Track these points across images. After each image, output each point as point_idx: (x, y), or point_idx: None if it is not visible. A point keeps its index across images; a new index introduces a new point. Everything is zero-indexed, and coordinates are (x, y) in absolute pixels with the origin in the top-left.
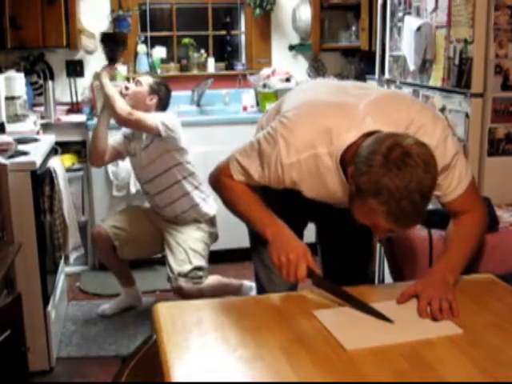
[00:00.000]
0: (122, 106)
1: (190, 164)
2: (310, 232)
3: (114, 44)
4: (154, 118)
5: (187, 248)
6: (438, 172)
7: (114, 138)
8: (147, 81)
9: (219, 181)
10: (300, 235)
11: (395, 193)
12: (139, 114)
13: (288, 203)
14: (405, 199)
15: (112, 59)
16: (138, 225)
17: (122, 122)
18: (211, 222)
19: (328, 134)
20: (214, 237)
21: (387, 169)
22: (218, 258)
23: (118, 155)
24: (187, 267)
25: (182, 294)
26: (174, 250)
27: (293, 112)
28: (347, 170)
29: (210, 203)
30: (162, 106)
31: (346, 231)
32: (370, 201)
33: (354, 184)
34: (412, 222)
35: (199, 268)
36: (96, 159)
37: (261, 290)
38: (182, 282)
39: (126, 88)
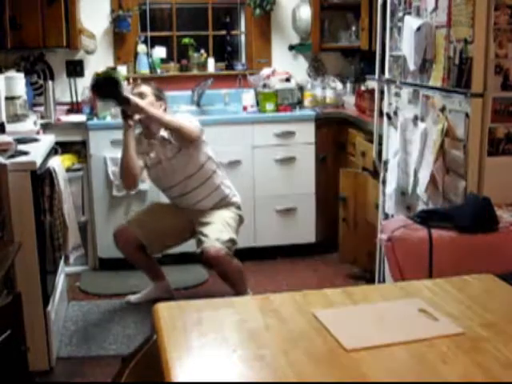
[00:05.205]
0: (193, 127)
1: (214, 156)
2: (310, 232)
3: (112, 88)
4: (194, 125)
5: (224, 222)
6: None
7: None
8: (149, 90)
9: None
10: None
11: None
12: (189, 125)
13: None
14: None
15: (122, 102)
16: (164, 220)
17: (196, 139)
18: (239, 207)
19: None
20: (242, 219)
21: None
22: None
23: (142, 170)
24: (226, 236)
25: (217, 260)
26: (211, 223)
27: None
28: None
29: (235, 192)
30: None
31: None
32: None
33: None
34: None
35: (233, 241)
36: (133, 181)
37: None
38: (220, 247)
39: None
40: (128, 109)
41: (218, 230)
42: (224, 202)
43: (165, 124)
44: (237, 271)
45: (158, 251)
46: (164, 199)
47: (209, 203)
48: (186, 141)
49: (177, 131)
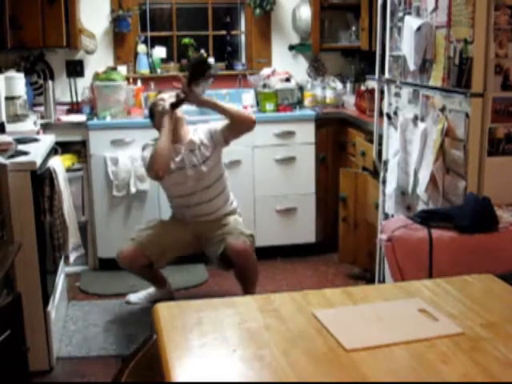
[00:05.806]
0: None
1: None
2: (310, 232)
3: (202, 74)
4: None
5: (237, 223)
6: None
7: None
8: (170, 99)
9: None
10: None
11: None
12: (246, 111)
13: None
14: None
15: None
16: (169, 235)
17: (254, 124)
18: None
19: None
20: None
21: None
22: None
23: None
24: (246, 231)
25: (244, 252)
26: (227, 224)
27: None
28: None
29: (237, 204)
30: None
31: None
32: None
33: None
34: None
35: (253, 237)
36: (166, 168)
37: None
38: (245, 239)
39: (163, 99)
40: (189, 96)
41: (237, 227)
42: (232, 212)
43: (224, 110)
44: (255, 267)
45: (163, 265)
46: (164, 213)
47: (220, 214)
48: (242, 129)
49: (237, 118)
